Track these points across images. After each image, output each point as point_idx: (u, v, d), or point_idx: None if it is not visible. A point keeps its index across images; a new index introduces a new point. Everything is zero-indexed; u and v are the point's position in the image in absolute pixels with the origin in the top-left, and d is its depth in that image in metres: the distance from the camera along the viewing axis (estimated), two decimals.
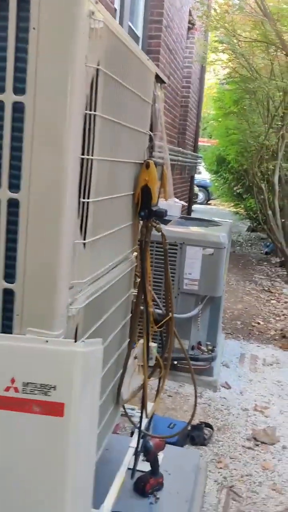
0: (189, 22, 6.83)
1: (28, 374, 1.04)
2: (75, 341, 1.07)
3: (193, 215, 8.87)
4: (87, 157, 1.07)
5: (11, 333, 1.10)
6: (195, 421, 2.74)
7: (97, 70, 1.07)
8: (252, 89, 6.17)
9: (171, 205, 3.97)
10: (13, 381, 1.05)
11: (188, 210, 8.81)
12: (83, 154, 1.06)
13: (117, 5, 4.17)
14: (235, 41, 5.74)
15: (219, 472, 2.35)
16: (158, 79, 1.76)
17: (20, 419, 1.04)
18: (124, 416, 1.84)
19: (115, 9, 4.11)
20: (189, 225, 3.66)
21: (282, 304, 5.29)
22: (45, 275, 1.05)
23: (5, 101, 1.02)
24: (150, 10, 5.14)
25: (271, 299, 5.47)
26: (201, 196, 16.26)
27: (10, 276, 1.08)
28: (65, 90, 0.99)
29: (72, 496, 1.02)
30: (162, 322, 1.70)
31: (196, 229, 3.47)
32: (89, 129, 1.07)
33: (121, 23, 4.28)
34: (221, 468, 2.39)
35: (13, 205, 1.05)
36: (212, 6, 6.33)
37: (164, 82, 1.87)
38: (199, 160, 9.74)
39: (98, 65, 1.07)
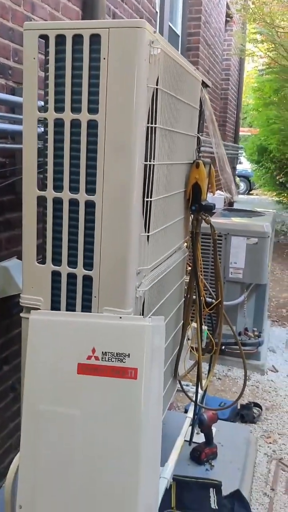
0: (227, 15, 6.90)
1: (106, 345, 1.26)
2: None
3: (235, 206, 8.94)
4: (150, 163, 1.27)
5: (89, 312, 1.32)
6: (244, 401, 2.91)
7: (156, 89, 1.27)
8: None
9: (215, 197, 4.13)
10: (93, 351, 1.27)
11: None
12: (146, 160, 1.26)
13: (157, 7, 4.33)
14: (274, 31, 5.79)
15: (268, 447, 2.51)
16: (203, 84, 1.93)
17: (101, 382, 1.25)
18: (180, 391, 2.04)
19: (156, 12, 4.28)
20: (233, 216, 3.80)
21: None
22: (117, 263, 1.26)
23: (81, 119, 1.24)
24: (188, 8, 5.27)
25: None
26: (242, 186, 16.20)
27: (88, 264, 1.30)
28: (131, 108, 1.19)
29: (145, 443, 1.23)
30: (213, 305, 1.88)
31: (240, 219, 3.61)
32: (150, 139, 1.27)
33: (161, 24, 4.44)
34: (270, 443, 2.55)
35: (89, 205, 1.27)
36: None
37: (209, 86, 2.04)
38: (240, 151, 9.77)
39: (156, 85, 1.26)
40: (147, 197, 1.29)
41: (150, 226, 1.35)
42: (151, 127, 1.26)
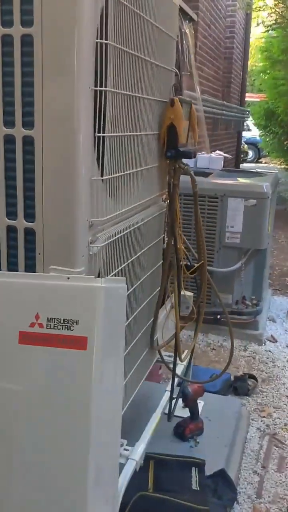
0: None
1: (52, 310, 1.06)
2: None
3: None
4: (100, 88, 1.04)
5: (34, 272, 1.12)
6: (239, 373, 2.74)
7: None
8: None
9: (213, 157, 3.86)
10: (37, 317, 1.07)
11: (236, 166, 8.57)
12: (96, 86, 1.03)
13: None
14: None
15: (262, 421, 2.34)
16: (185, 15, 1.67)
17: (46, 353, 1.06)
18: (160, 362, 1.85)
19: None
20: (232, 176, 3.55)
21: None
22: (64, 212, 1.05)
23: (14, 34, 1.01)
24: None
25: None
26: (251, 154, 15.73)
27: (30, 215, 1.09)
28: (72, 18, 0.96)
29: (96, 426, 1.04)
30: (194, 268, 1.67)
31: (238, 180, 3.36)
32: (101, 58, 1.04)
33: None
34: (264, 417, 2.38)
35: (28, 143, 1.05)
36: None
37: (194, 20, 1.78)
38: (246, 115, 9.36)
39: None
40: (99, 132, 1.07)
41: (105, 169, 1.13)
42: (102, 44, 1.03)
